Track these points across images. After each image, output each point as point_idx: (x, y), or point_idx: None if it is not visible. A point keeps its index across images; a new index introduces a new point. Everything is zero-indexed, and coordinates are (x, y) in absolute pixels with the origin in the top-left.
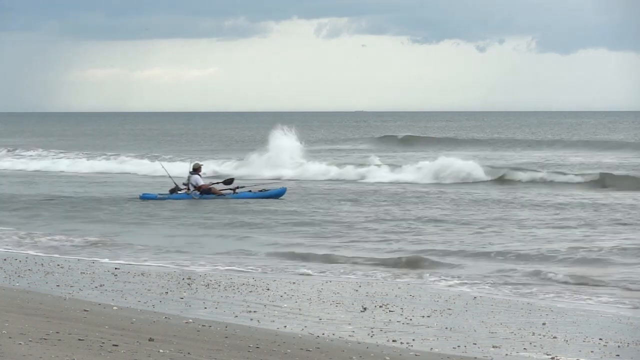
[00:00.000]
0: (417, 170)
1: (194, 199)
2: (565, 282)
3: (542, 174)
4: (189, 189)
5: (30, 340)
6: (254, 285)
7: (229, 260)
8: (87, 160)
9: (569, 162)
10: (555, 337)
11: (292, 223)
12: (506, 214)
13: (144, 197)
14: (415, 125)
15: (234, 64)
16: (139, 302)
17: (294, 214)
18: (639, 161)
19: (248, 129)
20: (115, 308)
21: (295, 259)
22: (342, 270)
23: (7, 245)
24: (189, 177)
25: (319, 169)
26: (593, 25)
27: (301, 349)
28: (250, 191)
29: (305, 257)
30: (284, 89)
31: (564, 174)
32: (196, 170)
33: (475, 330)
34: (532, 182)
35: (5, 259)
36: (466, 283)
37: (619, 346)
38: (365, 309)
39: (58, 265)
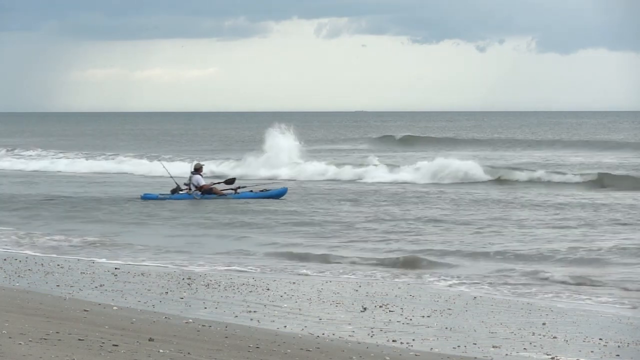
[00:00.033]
0: (416, 170)
1: (196, 199)
2: (565, 282)
3: (541, 174)
4: (190, 189)
5: (30, 340)
6: (254, 285)
7: (229, 260)
8: (86, 160)
9: (568, 162)
10: (555, 337)
11: (292, 223)
12: (505, 214)
13: (145, 197)
14: (415, 125)
15: (234, 64)
16: (139, 302)
17: (294, 214)
18: (639, 161)
19: (248, 129)
20: (115, 308)
21: (295, 259)
22: (342, 270)
23: (7, 245)
24: (190, 177)
25: (316, 169)
26: (593, 25)
27: (301, 349)
28: (251, 191)
29: (305, 257)
30: (284, 89)
31: (563, 173)
32: (198, 170)
33: (475, 330)
34: (532, 182)
35: (5, 259)
36: (466, 283)
37: (619, 346)
38: (365, 309)
39: (58, 265)
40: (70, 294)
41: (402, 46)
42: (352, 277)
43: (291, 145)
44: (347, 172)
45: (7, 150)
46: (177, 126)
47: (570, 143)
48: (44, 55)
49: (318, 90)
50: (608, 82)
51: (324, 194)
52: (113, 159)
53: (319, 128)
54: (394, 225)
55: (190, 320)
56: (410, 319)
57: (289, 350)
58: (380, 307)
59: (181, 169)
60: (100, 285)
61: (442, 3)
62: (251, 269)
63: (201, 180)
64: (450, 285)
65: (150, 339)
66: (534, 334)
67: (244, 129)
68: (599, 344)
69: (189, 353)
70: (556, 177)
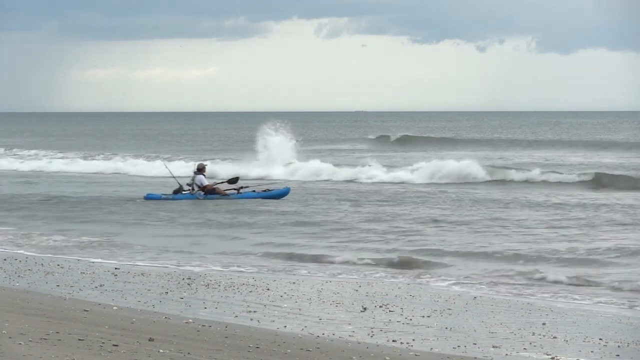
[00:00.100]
0: (415, 170)
1: (199, 199)
2: (565, 282)
3: (540, 174)
4: (193, 189)
5: (30, 340)
6: (254, 285)
7: (228, 261)
8: (85, 160)
9: (568, 162)
10: (555, 337)
11: (292, 223)
12: (504, 214)
13: (148, 198)
14: (415, 126)
15: (234, 64)
16: (139, 302)
17: (294, 214)
18: (639, 161)
19: (248, 129)
20: (115, 308)
21: (295, 259)
22: (342, 270)
23: (6, 245)
24: (193, 177)
25: (312, 169)
26: (593, 25)
27: (301, 349)
28: (254, 191)
29: (305, 257)
30: (284, 89)
31: (561, 173)
32: (200, 170)
33: (475, 330)
34: (531, 182)
35: (5, 259)
36: (466, 283)
37: (619, 346)
38: (365, 309)
39: (58, 265)
40: (70, 294)
41: (402, 46)
42: (352, 277)
43: (285, 144)
44: (347, 172)
45: (5, 150)
46: (177, 126)
47: (570, 143)
48: (44, 55)
49: (318, 90)
50: (608, 82)
51: (324, 194)
52: (113, 159)
53: (318, 128)
54: (393, 226)
55: (190, 320)
56: (410, 319)
57: (289, 350)
58: (380, 307)
59: (180, 168)
60: (100, 285)
61: (442, 3)
62: (251, 269)
63: (204, 180)
64: (450, 285)
65: (150, 339)
66: (534, 334)
67: (244, 129)
68: (599, 344)
69: (189, 353)
70: (555, 177)
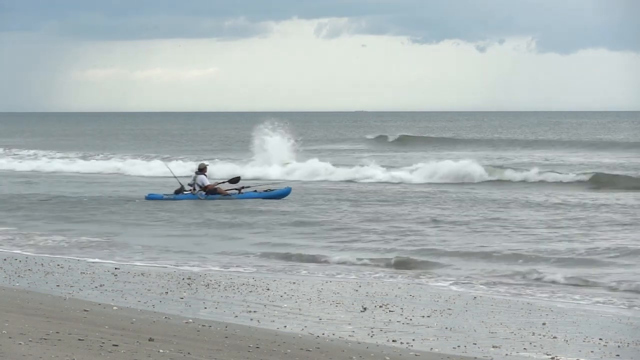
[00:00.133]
0: (414, 170)
1: (200, 199)
2: (565, 283)
3: (538, 174)
4: (194, 189)
5: (30, 340)
6: (254, 285)
7: (228, 261)
8: (85, 160)
9: (568, 162)
10: (555, 337)
11: (291, 223)
12: (504, 214)
13: (150, 198)
14: (415, 126)
15: (234, 64)
16: (139, 302)
17: (294, 214)
18: (639, 161)
19: (248, 129)
20: (115, 308)
21: (294, 259)
22: (342, 270)
23: (6, 245)
24: (194, 177)
25: (310, 169)
26: (593, 25)
27: (301, 349)
28: (255, 191)
29: (305, 257)
30: (284, 89)
31: (561, 173)
32: (202, 170)
33: (475, 330)
34: (529, 182)
35: (5, 259)
36: (465, 283)
37: (619, 346)
38: (365, 309)
39: (58, 265)
40: (70, 294)
41: (402, 46)
42: (352, 277)
43: (283, 144)
44: (341, 172)
45: (5, 150)
46: (177, 126)
47: (570, 143)
48: (44, 55)
49: (318, 90)
50: (608, 82)
51: (324, 194)
52: (112, 159)
53: (318, 128)
54: (392, 226)
55: (190, 320)
56: (410, 319)
57: (289, 350)
58: (380, 307)
59: (177, 168)
60: (100, 285)
61: (442, 3)
62: (251, 269)
63: (205, 180)
64: (450, 285)
65: (150, 339)
66: (534, 334)
67: (244, 129)
68: (599, 344)
69: (189, 353)
70: (553, 177)
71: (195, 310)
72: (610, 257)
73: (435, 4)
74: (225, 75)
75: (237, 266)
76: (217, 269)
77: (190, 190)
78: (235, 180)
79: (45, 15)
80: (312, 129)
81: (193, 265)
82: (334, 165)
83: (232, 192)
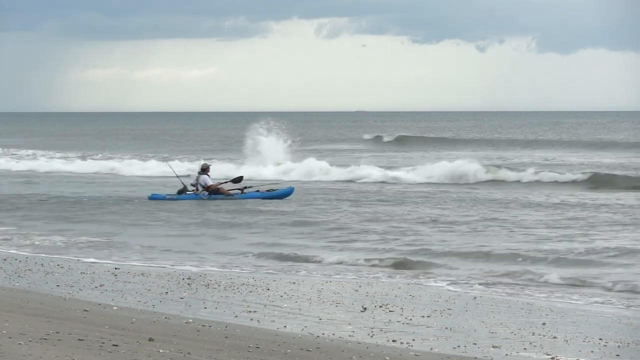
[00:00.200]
0: (413, 170)
1: (203, 199)
2: (564, 283)
3: (534, 174)
4: (197, 190)
5: (30, 340)
6: (254, 285)
7: (228, 260)
8: (83, 160)
9: (568, 162)
10: (555, 337)
11: (291, 223)
12: (503, 214)
13: (153, 198)
14: (415, 126)
15: (234, 64)
16: (139, 302)
17: (294, 214)
18: (639, 161)
19: (248, 129)
20: (115, 308)
21: (294, 259)
22: (341, 270)
23: (6, 245)
24: (197, 177)
25: (306, 169)
26: (593, 25)
27: (301, 349)
28: (258, 191)
29: (305, 258)
30: (284, 89)
31: (560, 173)
32: (204, 170)
33: (475, 330)
34: (527, 182)
35: (5, 259)
36: (465, 283)
37: (619, 346)
38: (365, 309)
39: (58, 265)
40: (70, 294)
41: (402, 46)
42: (352, 277)
43: (277, 145)
44: (336, 172)
45: (3, 149)
46: (177, 126)
47: (570, 143)
48: (44, 55)
49: (318, 90)
50: (608, 82)
51: (324, 194)
52: (109, 159)
53: (318, 128)
54: (392, 226)
55: (190, 320)
56: (410, 319)
57: (289, 350)
58: (380, 307)
59: (175, 168)
60: (100, 285)
61: (442, 3)
62: (251, 269)
63: (208, 180)
64: (450, 285)
65: (150, 339)
66: (534, 334)
67: (244, 129)
68: (599, 344)
69: (189, 353)
70: (551, 177)
71: (195, 310)
72: (610, 257)
73: (435, 4)
74: (225, 75)
75: (236, 266)
76: (217, 269)
77: (193, 190)
78: (237, 180)
79: (45, 15)
80: (312, 129)
81: (193, 265)
82: (330, 164)
83: (235, 192)
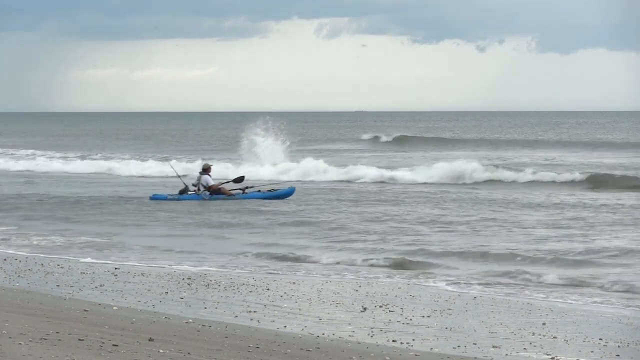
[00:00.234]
0: (413, 170)
1: (204, 199)
2: (564, 283)
3: (537, 174)
4: (199, 190)
5: (30, 340)
6: (254, 285)
7: (228, 260)
8: (83, 160)
9: (568, 162)
10: (555, 337)
11: (291, 223)
12: (502, 214)
13: (154, 198)
14: (415, 126)
15: (234, 64)
16: (139, 302)
17: (294, 213)
18: (638, 161)
19: (244, 129)
20: (115, 308)
21: (294, 259)
22: (341, 270)
23: (6, 245)
24: (198, 177)
25: (304, 169)
26: (593, 25)
27: (301, 349)
28: (259, 191)
29: (305, 257)
30: (284, 89)
31: (558, 173)
32: (206, 170)
33: (475, 330)
34: (526, 182)
35: (5, 259)
36: (465, 283)
37: (619, 346)
38: (365, 309)
39: (58, 265)
40: (70, 294)
41: (402, 46)
42: (352, 277)
43: (274, 146)
44: (333, 172)
45: (3, 149)
46: (177, 126)
47: (570, 143)
48: (44, 55)
49: (318, 90)
50: (608, 82)
51: (324, 194)
52: (111, 159)
53: (318, 128)
54: (392, 226)
55: (190, 320)
56: (410, 319)
57: (289, 350)
58: (380, 307)
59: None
60: (100, 285)
61: (442, 3)
62: (251, 269)
63: (210, 181)
64: (449, 285)
65: (150, 339)
66: (534, 334)
67: (242, 129)
68: (599, 344)
69: (189, 353)
70: (550, 177)
71: (195, 310)
72: (610, 257)
73: (435, 4)
74: (225, 75)
75: (236, 266)
76: (217, 269)
77: (194, 190)
78: (239, 179)
79: (45, 15)
80: (312, 128)
81: (193, 265)
82: (328, 164)
83: (236, 192)
